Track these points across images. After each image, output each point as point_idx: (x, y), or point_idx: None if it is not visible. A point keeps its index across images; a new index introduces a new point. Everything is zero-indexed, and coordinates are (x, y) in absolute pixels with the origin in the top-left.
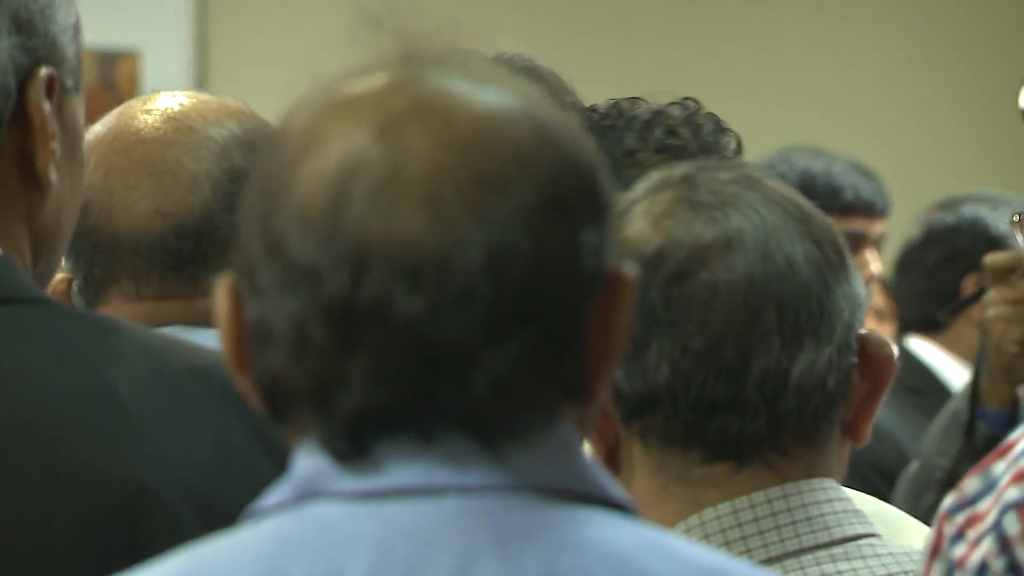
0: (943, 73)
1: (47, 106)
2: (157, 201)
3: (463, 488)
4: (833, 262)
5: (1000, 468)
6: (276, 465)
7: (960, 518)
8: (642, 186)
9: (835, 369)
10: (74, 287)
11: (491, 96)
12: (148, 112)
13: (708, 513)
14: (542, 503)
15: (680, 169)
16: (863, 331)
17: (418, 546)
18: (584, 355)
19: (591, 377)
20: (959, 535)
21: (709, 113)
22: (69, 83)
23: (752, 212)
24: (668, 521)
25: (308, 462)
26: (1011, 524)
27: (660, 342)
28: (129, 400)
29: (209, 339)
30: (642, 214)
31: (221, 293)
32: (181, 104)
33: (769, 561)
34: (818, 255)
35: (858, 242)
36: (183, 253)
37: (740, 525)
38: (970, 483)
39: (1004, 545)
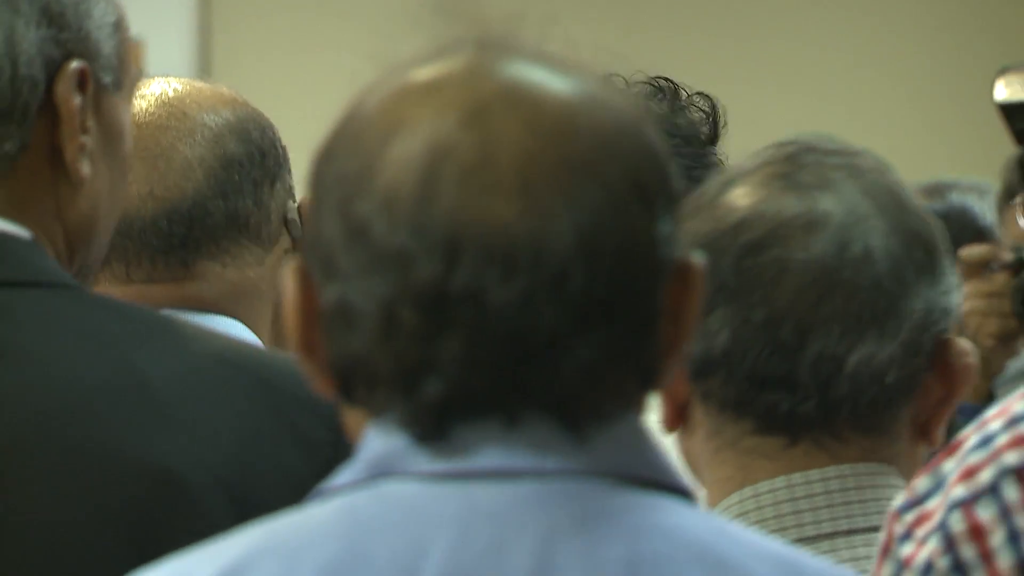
0: (938, 65)
1: (77, 99)
2: (150, 184)
3: (543, 472)
4: (919, 262)
5: (949, 466)
6: (304, 455)
7: (909, 517)
8: (752, 158)
9: (897, 366)
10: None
11: (571, 83)
12: (142, 97)
13: (763, 486)
14: (619, 489)
15: (792, 146)
16: (946, 336)
17: (500, 528)
18: (658, 342)
19: (661, 364)
20: (907, 534)
21: (697, 95)
22: (107, 79)
23: (843, 199)
24: (720, 486)
25: (382, 442)
26: (956, 522)
27: (724, 309)
28: (158, 386)
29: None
30: (740, 184)
31: (289, 276)
32: (175, 90)
33: (818, 538)
34: (902, 252)
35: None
36: (174, 237)
37: (794, 500)
38: (920, 482)
39: (949, 543)
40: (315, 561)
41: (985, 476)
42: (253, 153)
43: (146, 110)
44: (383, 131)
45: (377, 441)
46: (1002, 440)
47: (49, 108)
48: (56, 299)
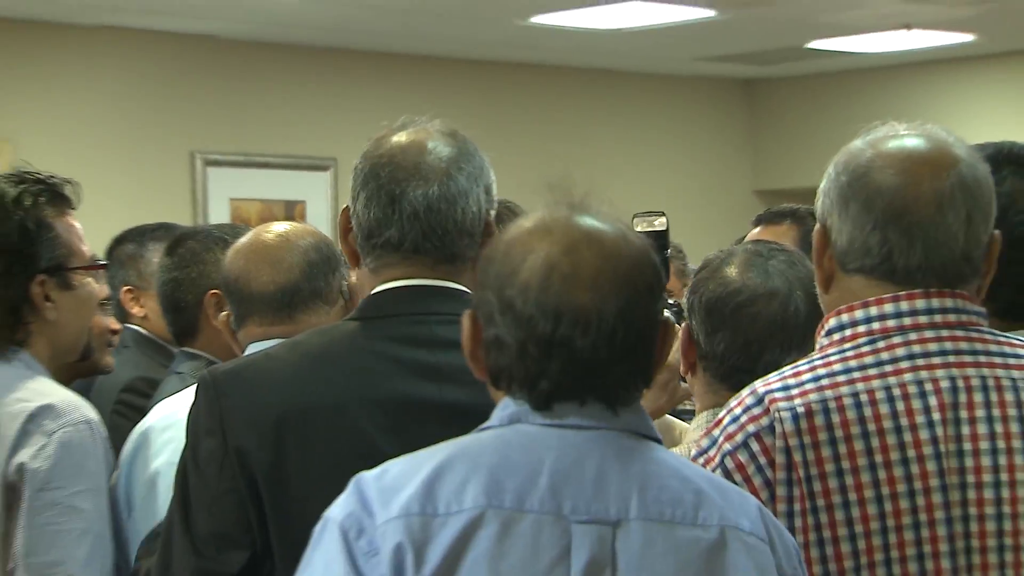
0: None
1: (494, 229)
2: (272, 276)
3: (597, 427)
4: (817, 316)
5: (716, 432)
6: None
7: (701, 460)
8: (743, 246)
9: None
10: (230, 320)
11: (616, 228)
12: (269, 232)
13: (721, 410)
14: (635, 438)
15: (761, 245)
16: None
17: (579, 452)
18: (653, 364)
19: (653, 375)
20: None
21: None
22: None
23: (785, 280)
24: (704, 407)
25: (515, 407)
26: (728, 462)
27: (724, 333)
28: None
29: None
30: (732, 264)
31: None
32: (285, 228)
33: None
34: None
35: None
36: (283, 304)
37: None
38: (703, 441)
39: (726, 474)
40: (486, 464)
41: (739, 437)
42: (323, 259)
43: (271, 239)
44: (521, 252)
45: (512, 406)
46: (744, 418)
47: (486, 236)
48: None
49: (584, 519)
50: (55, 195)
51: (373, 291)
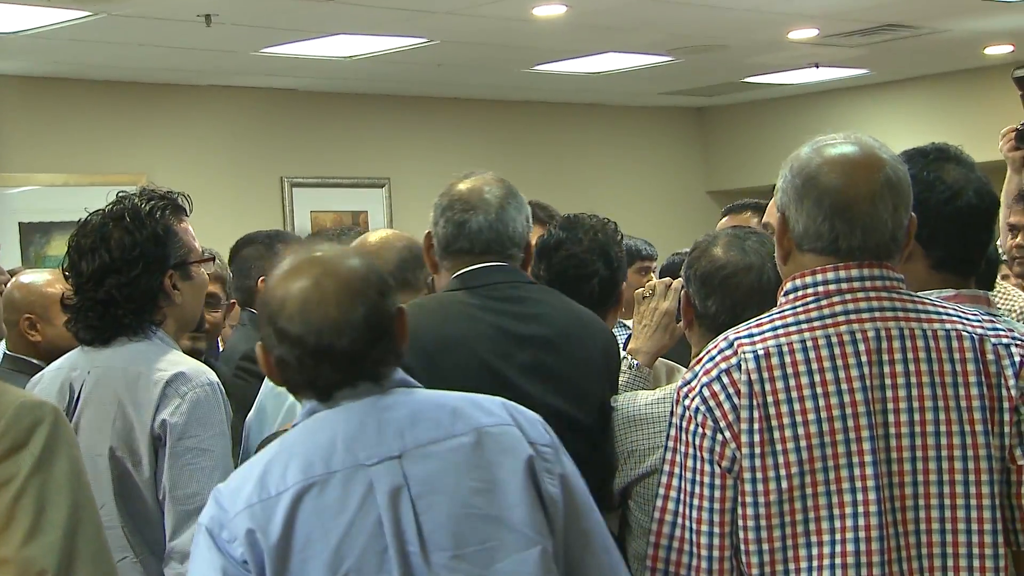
0: (658, 186)
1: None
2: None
3: (370, 394)
4: (778, 282)
5: (697, 368)
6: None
7: (685, 389)
8: (724, 230)
9: None
10: None
11: (344, 257)
12: (375, 235)
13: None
14: (400, 392)
15: (740, 230)
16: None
17: (360, 418)
18: (396, 345)
19: (401, 348)
20: (686, 396)
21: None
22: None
23: (759, 256)
24: (697, 351)
25: (310, 404)
26: (705, 391)
27: (714, 298)
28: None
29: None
30: (717, 244)
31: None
32: (386, 233)
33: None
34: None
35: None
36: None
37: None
38: (687, 375)
39: (703, 399)
40: (299, 450)
41: (714, 372)
42: (413, 257)
43: (375, 240)
44: (283, 292)
45: (309, 403)
46: (718, 357)
47: (524, 249)
48: (540, 289)
49: (376, 461)
50: (175, 207)
51: (458, 273)
